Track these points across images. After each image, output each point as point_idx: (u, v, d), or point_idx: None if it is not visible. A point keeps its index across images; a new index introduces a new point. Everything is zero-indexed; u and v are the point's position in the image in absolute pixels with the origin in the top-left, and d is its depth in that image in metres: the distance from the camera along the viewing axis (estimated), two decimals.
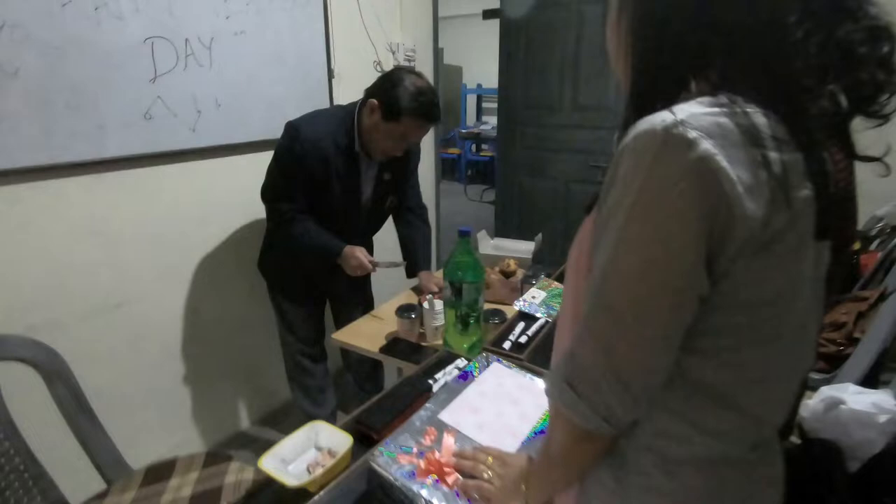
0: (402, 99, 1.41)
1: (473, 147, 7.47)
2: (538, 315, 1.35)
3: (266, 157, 1.59)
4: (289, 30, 1.93)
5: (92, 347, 1.56)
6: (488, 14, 5.80)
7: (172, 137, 1.64)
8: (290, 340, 1.87)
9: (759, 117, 0.44)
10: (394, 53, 2.48)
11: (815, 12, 0.44)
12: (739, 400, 0.50)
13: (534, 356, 1.17)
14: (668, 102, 0.46)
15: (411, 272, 1.75)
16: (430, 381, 1.04)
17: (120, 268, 1.61)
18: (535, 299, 1.42)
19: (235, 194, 1.87)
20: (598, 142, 2.87)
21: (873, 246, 1.66)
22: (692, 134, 0.42)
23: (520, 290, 1.55)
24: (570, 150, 3.00)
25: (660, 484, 0.53)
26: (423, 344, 1.38)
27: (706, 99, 0.45)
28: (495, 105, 3.36)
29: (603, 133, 2.84)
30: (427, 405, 0.93)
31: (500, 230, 3.34)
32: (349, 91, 2.14)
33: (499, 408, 0.94)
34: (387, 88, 1.44)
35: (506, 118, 3.23)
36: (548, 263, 1.90)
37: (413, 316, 1.40)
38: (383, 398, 0.98)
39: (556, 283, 1.55)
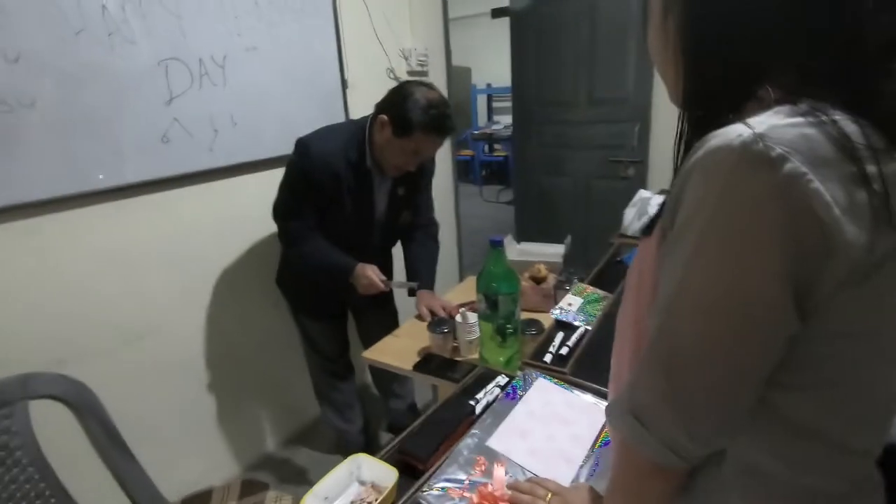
0: (412, 113, 1.36)
1: (486, 147, 7.42)
2: (576, 323, 1.29)
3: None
4: (300, 42, 1.90)
5: (119, 376, 1.55)
6: (497, 13, 5.74)
7: (190, 159, 1.62)
8: (315, 357, 1.84)
9: (849, 125, 0.38)
10: (406, 59, 2.44)
11: None
12: (828, 433, 0.45)
13: (577, 369, 1.11)
14: (732, 112, 0.41)
15: (411, 292, 1.67)
16: (472, 402, 0.99)
17: (144, 294, 1.59)
18: (571, 307, 1.36)
19: (255, 211, 1.83)
20: (617, 136, 2.79)
21: None
22: (776, 151, 0.36)
23: (553, 297, 1.49)
24: (589, 146, 2.93)
25: None
26: (458, 359, 1.33)
27: (784, 108, 0.39)
28: (506, 104, 3.32)
29: (621, 127, 2.76)
30: (473, 431, 0.87)
31: (521, 232, 3.28)
32: (363, 101, 2.11)
33: (549, 430, 0.88)
34: (396, 103, 1.39)
35: (520, 117, 3.16)
36: (575, 265, 1.83)
37: (446, 330, 1.35)
38: (425, 424, 0.93)
39: (591, 287, 1.48)
